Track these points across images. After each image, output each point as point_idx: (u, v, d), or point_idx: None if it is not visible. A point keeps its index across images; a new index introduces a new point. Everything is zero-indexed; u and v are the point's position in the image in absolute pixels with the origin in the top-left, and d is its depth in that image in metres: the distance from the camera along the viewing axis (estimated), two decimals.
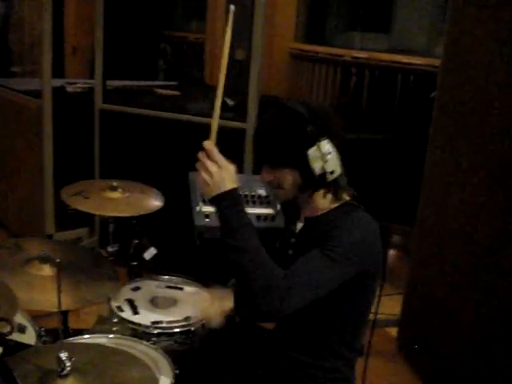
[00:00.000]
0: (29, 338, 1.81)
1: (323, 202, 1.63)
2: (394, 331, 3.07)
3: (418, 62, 3.99)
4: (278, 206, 2.14)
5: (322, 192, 1.61)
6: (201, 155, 1.50)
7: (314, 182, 1.57)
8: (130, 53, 4.97)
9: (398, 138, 3.49)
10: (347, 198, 1.65)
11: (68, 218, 3.58)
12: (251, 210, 2.37)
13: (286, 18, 4.78)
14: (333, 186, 1.60)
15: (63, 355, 1.25)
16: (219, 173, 1.48)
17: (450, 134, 2.61)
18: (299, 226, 1.72)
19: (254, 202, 2.41)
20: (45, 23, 3.21)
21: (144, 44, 5.44)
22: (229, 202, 1.48)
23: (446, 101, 2.67)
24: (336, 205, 1.63)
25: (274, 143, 1.57)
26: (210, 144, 1.50)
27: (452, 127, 2.60)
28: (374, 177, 3.39)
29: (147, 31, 5.48)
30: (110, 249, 2.35)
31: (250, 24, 3.13)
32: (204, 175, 1.49)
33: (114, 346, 1.61)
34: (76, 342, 1.70)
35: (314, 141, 1.52)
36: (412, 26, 4.60)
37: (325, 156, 1.52)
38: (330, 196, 1.62)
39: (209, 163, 1.48)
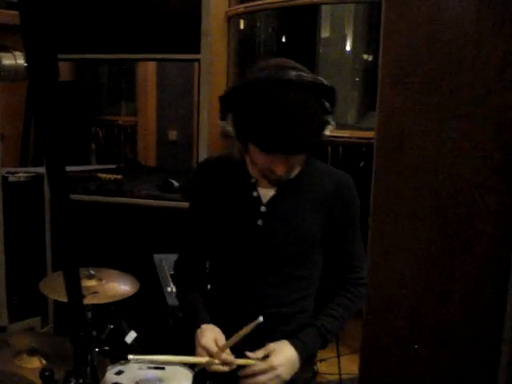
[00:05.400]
0: None
1: None
2: None
3: (346, 134, 4.33)
4: None
5: None
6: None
7: None
8: (63, 138, 5.04)
9: None
10: None
11: (18, 308, 3.59)
12: None
13: (218, 98, 5.02)
14: None
15: None
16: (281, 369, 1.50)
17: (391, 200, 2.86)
18: (264, 193, 1.60)
19: None
20: None
21: (76, 129, 5.54)
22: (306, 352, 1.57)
23: (384, 170, 2.93)
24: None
25: (315, 126, 1.41)
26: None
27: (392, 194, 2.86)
28: None
29: (78, 116, 5.58)
30: None
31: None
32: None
33: None
34: None
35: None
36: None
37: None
38: None
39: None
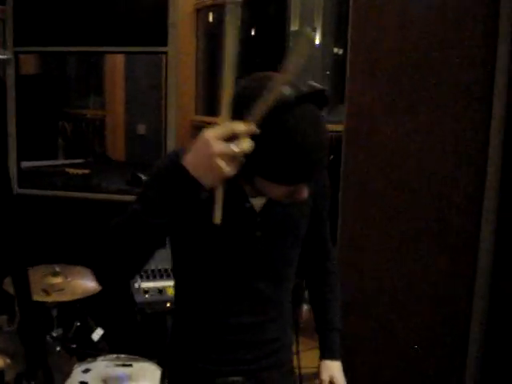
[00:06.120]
0: None
1: None
2: None
3: None
4: None
5: None
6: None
7: None
8: (29, 133, 4.96)
9: None
10: None
11: None
12: (154, 284, 2.49)
13: (187, 91, 4.99)
14: None
15: None
16: None
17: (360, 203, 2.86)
18: (255, 202, 1.45)
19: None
20: None
21: (42, 123, 5.44)
22: None
23: (353, 162, 2.93)
24: None
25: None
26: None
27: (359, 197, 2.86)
28: None
29: (45, 110, 5.48)
30: (54, 334, 2.37)
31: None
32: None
33: None
34: None
35: None
36: None
37: None
38: None
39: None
